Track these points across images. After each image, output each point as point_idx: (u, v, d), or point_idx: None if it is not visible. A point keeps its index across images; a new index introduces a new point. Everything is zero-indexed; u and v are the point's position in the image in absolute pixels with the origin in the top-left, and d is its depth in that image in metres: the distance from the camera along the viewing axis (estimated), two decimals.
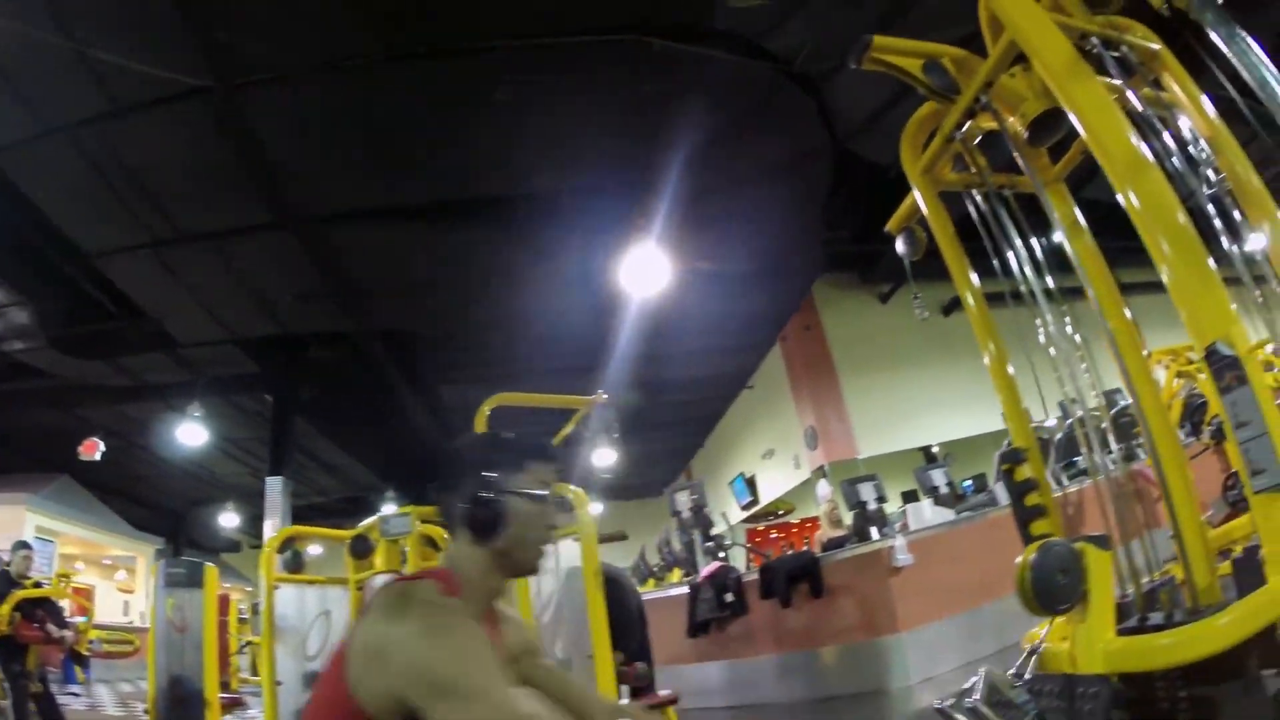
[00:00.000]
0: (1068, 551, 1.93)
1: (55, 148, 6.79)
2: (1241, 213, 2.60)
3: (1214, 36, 2.52)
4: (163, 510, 20.56)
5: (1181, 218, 1.91)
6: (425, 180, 8.06)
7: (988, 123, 2.63)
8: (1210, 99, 2.75)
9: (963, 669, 6.31)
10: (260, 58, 6.21)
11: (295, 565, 8.16)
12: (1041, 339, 2.53)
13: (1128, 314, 2.53)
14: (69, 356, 10.77)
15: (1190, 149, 2.65)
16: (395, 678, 1.37)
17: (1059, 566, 1.90)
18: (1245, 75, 2.47)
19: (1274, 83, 2.48)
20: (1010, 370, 2.76)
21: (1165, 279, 1.89)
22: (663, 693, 5.51)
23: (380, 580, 5.10)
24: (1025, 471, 2.61)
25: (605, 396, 5.41)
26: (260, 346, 11.18)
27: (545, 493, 1.71)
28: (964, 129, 2.65)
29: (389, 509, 5.57)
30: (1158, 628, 2.03)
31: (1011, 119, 2.58)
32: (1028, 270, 2.63)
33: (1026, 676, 1.94)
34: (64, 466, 15.97)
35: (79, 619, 7.93)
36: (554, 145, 7.65)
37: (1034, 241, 2.69)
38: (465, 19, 6.19)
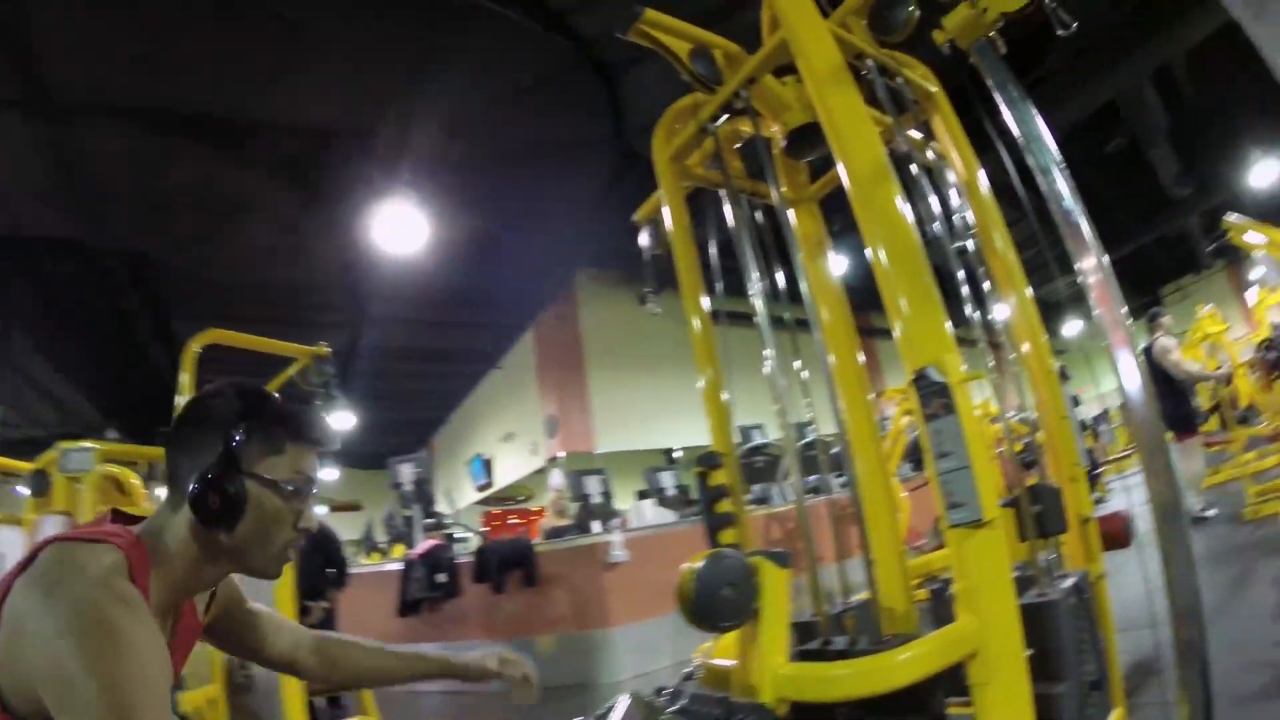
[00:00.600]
0: (740, 564, 1.80)
1: None
2: (990, 277, 2.65)
3: (990, 84, 2.58)
4: None
5: (914, 247, 1.88)
6: (193, 89, 7.06)
7: (747, 125, 2.58)
8: (985, 173, 2.81)
9: (675, 667, 6.43)
10: None
11: None
12: (765, 369, 2.47)
13: (861, 357, 2.55)
14: None
15: (953, 206, 2.69)
16: (34, 671, 1.04)
17: (727, 579, 1.78)
18: (1016, 132, 2.51)
19: (1046, 141, 2.55)
20: (725, 396, 2.68)
21: (887, 303, 1.85)
22: None
23: (52, 523, 4.46)
24: (720, 478, 2.53)
25: (328, 349, 4.99)
26: None
27: (302, 488, 1.32)
28: (718, 123, 2.58)
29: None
30: (840, 654, 2.01)
31: (775, 127, 2.54)
32: (758, 290, 2.56)
33: (684, 695, 1.82)
34: None
35: None
36: (333, 80, 7.07)
37: (773, 259, 2.63)
38: None
